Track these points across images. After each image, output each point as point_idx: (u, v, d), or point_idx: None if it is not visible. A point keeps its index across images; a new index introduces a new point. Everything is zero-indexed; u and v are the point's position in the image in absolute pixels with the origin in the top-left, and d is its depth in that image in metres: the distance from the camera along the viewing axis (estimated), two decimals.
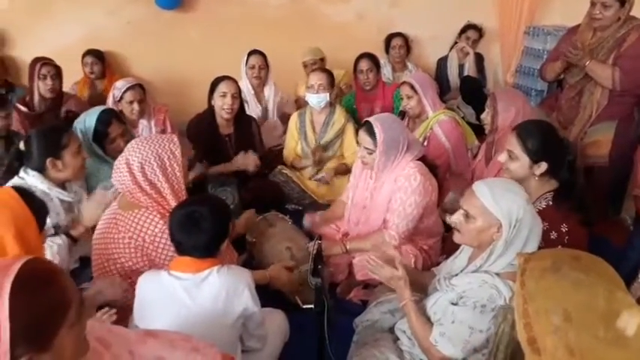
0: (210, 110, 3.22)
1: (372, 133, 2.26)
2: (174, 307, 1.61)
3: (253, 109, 3.81)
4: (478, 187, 1.58)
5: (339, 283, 2.46)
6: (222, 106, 3.12)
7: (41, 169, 2.26)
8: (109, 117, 2.69)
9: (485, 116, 2.61)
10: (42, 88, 3.49)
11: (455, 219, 1.62)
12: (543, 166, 2.00)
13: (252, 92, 3.87)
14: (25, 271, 0.94)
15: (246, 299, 1.68)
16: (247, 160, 3.13)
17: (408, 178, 2.23)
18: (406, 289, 1.73)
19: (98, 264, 1.98)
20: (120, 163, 1.93)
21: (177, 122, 3.75)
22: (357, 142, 3.37)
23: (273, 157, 3.60)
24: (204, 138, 3.17)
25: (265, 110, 3.93)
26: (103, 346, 1.19)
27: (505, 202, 1.52)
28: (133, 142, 2.00)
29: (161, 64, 4.63)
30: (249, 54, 3.84)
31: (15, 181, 2.26)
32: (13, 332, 0.89)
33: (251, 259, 2.60)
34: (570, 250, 1.28)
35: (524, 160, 2.02)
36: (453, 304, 1.61)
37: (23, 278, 0.93)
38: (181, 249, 1.69)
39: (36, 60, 3.56)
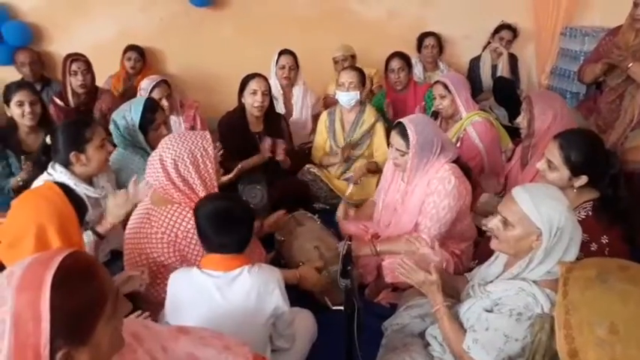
0: (241, 108, 3.23)
1: (404, 135, 2.22)
2: (206, 304, 1.61)
3: (281, 109, 3.81)
4: (518, 192, 1.54)
5: (367, 284, 2.43)
6: (253, 103, 3.14)
7: (67, 164, 2.29)
8: (155, 104, 2.74)
9: (521, 120, 2.53)
10: (73, 83, 3.56)
11: (492, 225, 1.58)
12: (583, 179, 1.94)
13: (281, 92, 3.87)
14: (66, 265, 0.95)
15: (276, 298, 1.68)
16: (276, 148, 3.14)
17: (442, 181, 2.19)
18: (439, 295, 1.70)
19: (130, 258, 2.00)
20: (153, 159, 1.95)
21: (206, 118, 3.79)
22: (388, 143, 3.38)
23: (301, 155, 3.59)
24: (235, 135, 3.19)
25: (299, 110, 3.91)
26: (136, 341, 1.19)
27: (546, 210, 1.47)
28: (166, 138, 2.01)
29: (192, 61, 4.68)
30: (280, 54, 3.84)
31: (43, 177, 2.30)
32: (52, 325, 0.89)
33: (279, 258, 2.60)
34: (617, 259, 1.22)
35: (564, 172, 1.96)
36: (487, 311, 1.57)
37: (64, 271, 0.94)
38: (210, 245, 1.69)
39: (67, 56, 3.64)
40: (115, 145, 2.62)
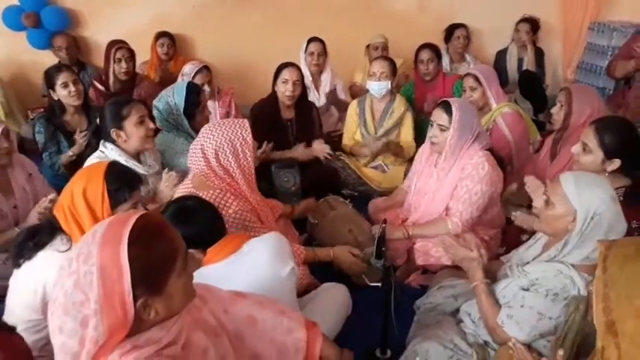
0: (274, 95, 3.32)
1: (448, 110, 2.28)
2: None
3: (314, 97, 3.90)
4: (564, 175, 1.60)
5: (397, 267, 2.51)
6: (284, 92, 3.22)
7: (114, 141, 2.41)
8: (197, 87, 2.83)
9: (557, 112, 2.55)
10: (117, 70, 3.70)
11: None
12: (616, 162, 1.99)
13: (310, 78, 3.95)
14: (140, 224, 1.04)
15: (289, 258, 1.70)
16: (316, 151, 3.25)
17: (475, 167, 2.26)
18: (479, 271, 1.77)
19: None
20: (195, 147, 2.05)
21: (239, 105, 3.89)
22: (416, 132, 3.45)
23: (331, 142, 3.67)
24: (267, 122, 3.28)
25: (332, 94, 4.01)
26: (201, 301, 1.30)
27: (586, 194, 1.53)
28: (206, 127, 2.11)
29: (223, 48, 4.77)
30: (309, 41, 3.93)
31: (96, 154, 2.43)
32: (132, 276, 0.99)
33: (312, 240, 2.70)
34: None
35: (598, 154, 2.01)
36: (523, 289, 1.64)
37: (138, 229, 1.03)
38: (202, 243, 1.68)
39: (112, 43, 3.76)
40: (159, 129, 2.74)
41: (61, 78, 3.01)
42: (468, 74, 3.11)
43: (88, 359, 0.99)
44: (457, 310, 1.96)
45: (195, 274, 1.62)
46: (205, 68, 3.46)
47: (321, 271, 2.30)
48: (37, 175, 2.63)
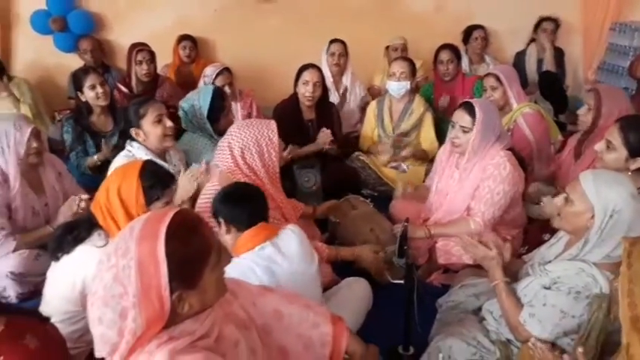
0: (295, 97, 3.36)
1: (471, 112, 2.29)
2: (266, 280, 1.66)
3: (335, 99, 3.94)
4: (584, 173, 1.61)
5: (419, 266, 2.53)
6: (304, 93, 3.26)
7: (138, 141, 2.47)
8: (223, 92, 2.89)
9: (585, 114, 2.52)
10: (139, 72, 3.77)
11: (557, 201, 1.66)
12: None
13: (331, 80, 3.99)
14: (176, 220, 1.08)
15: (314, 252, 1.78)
16: (322, 137, 3.25)
17: (497, 167, 2.27)
18: (498, 270, 1.78)
19: None
20: (223, 145, 2.11)
21: (260, 106, 3.94)
22: (436, 132, 3.46)
23: (350, 143, 3.70)
24: (289, 123, 3.32)
25: (343, 97, 4.03)
26: (232, 295, 1.34)
27: (605, 191, 1.53)
28: (234, 125, 2.17)
29: (243, 51, 4.83)
30: (331, 42, 3.99)
31: (124, 153, 2.49)
32: (168, 270, 1.03)
33: (333, 239, 2.73)
34: None
35: (622, 152, 2.02)
36: (545, 288, 1.65)
37: (175, 225, 1.07)
38: (241, 221, 1.75)
39: (133, 46, 3.84)
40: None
41: (89, 80, 3.09)
42: (488, 74, 3.11)
43: (126, 349, 1.03)
44: (479, 309, 1.97)
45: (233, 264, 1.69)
46: (226, 70, 3.52)
47: (342, 270, 2.33)
48: (66, 174, 2.70)
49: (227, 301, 1.32)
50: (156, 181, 1.73)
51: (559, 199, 1.65)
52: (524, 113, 2.96)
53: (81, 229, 1.73)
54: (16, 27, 4.74)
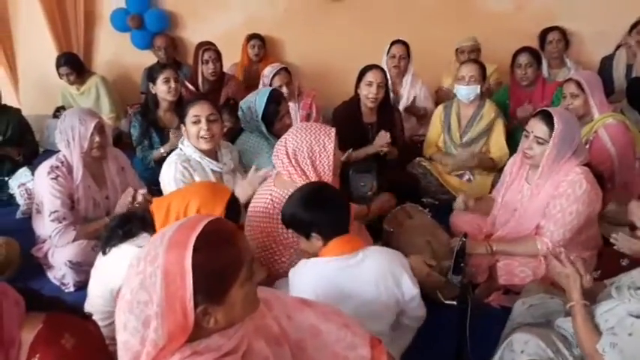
0: (357, 98, 3.27)
1: (549, 122, 2.11)
2: (332, 291, 1.62)
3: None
4: None
5: (477, 284, 2.37)
6: (367, 94, 3.16)
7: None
8: (279, 96, 2.85)
9: None
10: (205, 71, 3.85)
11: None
12: None
13: (390, 81, 3.86)
14: (208, 229, 1.03)
15: (404, 283, 1.69)
16: (380, 140, 3.12)
17: (572, 185, 2.07)
18: (575, 290, 1.61)
19: (251, 234, 2.12)
20: (280, 144, 2.07)
21: (320, 107, 3.89)
22: (507, 140, 3.24)
23: (413, 147, 3.56)
24: (348, 125, 3.24)
25: (406, 100, 3.91)
26: (266, 307, 1.27)
27: None
28: (294, 126, 2.14)
29: (310, 51, 4.82)
30: (392, 43, 3.87)
31: (176, 151, 2.54)
32: (194, 282, 0.98)
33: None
34: None
35: None
36: (632, 315, 1.45)
37: (206, 235, 1.02)
38: (323, 229, 1.70)
39: (200, 45, 3.92)
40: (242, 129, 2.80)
41: (165, 73, 3.19)
42: (569, 80, 2.86)
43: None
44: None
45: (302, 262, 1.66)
46: (284, 70, 3.49)
47: None
48: (129, 169, 2.78)
49: (260, 313, 1.25)
50: (235, 217, 1.73)
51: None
52: (607, 124, 2.69)
53: (134, 224, 1.74)
54: (98, 25, 5.00)
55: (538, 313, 1.83)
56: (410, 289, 1.70)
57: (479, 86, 3.18)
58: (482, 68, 3.25)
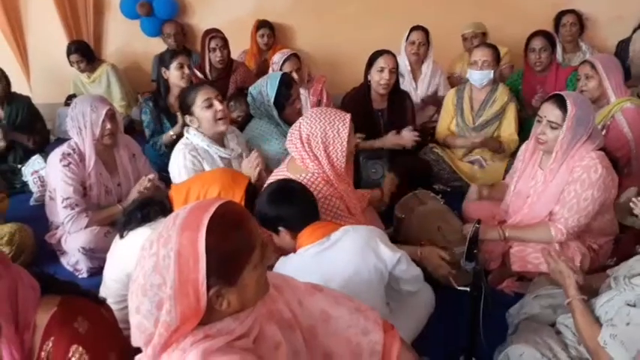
0: (367, 84, 3.23)
1: (562, 106, 2.07)
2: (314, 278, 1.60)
3: (407, 86, 3.76)
4: None
5: (490, 271, 2.35)
6: (379, 80, 3.11)
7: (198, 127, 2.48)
8: (290, 79, 2.83)
9: None
10: (212, 59, 3.82)
11: None
12: None
13: (409, 68, 3.82)
14: (221, 212, 1.03)
15: (383, 252, 1.68)
16: (404, 139, 3.07)
17: (587, 170, 2.03)
18: (571, 286, 1.60)
19: None
20: (294, 128, 2.06)
21: (331, 94, 3.86)
22: (519, 125, 3.19)
23: (424, 133, 3.52)
24: (357, 112, 3.19)
25: (426, 88, 3.85)
26: (277, 291, 1.27)
27: None
28: (310, 111, 2.12)
29: (320, 37, 4.78)
30: (412, 29, 3.79)
31: (183, 140, 2.53)
32: (207, 264, 0.98)
33: (397, 235, 2.60)
34: None
35: None
36: (629, 304, 1.44)
37: (218, 217, 1.01)
38: (294, 224, 1.73)
39: (206, 33, 3.89)
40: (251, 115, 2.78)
41: (179, 59, 3.20)
42: (584, 61, 2.81)
43: (159, 342, 0.99)
44: (556, 320, 1.77)
45: (281, 260, 1.62)
46: (294, 56, 3.46)
47: None
48: (140, 156, 2.79)
49: (271, 298, 1.25)
50: (253, 202, 1.75)
51: None
52: (624, 108, 2.63)
53: (151, 209, 1.75)
54: (108, 13, 4.99)
55: (546, 303, 1.83)
56: (390, 256, 1.68)
57: (492, 71, 3.13)
58: (496, 52, 3.19)
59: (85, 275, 2.50)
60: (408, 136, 3.04)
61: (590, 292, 1.69)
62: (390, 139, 3.09)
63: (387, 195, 2.61)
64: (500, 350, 1.74)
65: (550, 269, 1.72)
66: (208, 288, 0.99)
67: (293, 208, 1.74)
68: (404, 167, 3.08)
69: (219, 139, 2.56)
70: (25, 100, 3.69)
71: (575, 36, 4.20)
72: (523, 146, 2.48)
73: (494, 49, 3.20)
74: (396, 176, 2.86)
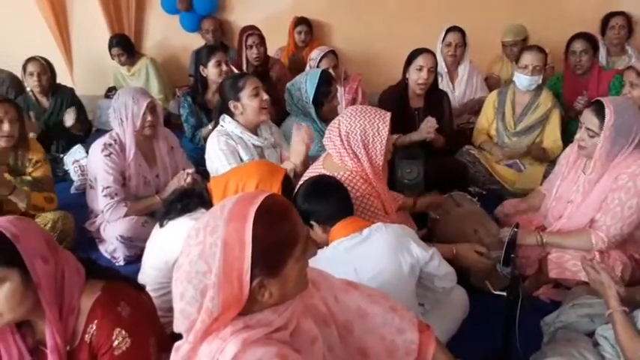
0: (404, 83, 3.21)
1: (600, 114, 2.02)
2: (347, 272, 1.60)
3: (444, 88, 3.71)
4: None
5: (527, 277, 2.30)
6: (417, 80, 3.09)
7: (232, 115, 2.53)
8: (330, 77, 2.85)
9: None
10: (249, 56, 3.88)
11: None
12: None
13: (446, 70, 3.78)
14: (267, 203, 1.04)
15: (414, 250, 1.66)
16: (426, 126, 3.03)
17: (633, 178, 1.97)
18: (612, 297, 1.56)
19: None
20: (333, 125, 2.07)
21: (366, 92, 3.84)
22: (562, 132, 3.12)
23: (462, 135, 3.47)
24: (393, 110, 3.16)
25: (463, 90, 3.80)
26: (314, 286, 1.27)
27: None
28: (349, 108, 2.13)
29: (357, 35, 4.76)
30: (448, 30, 3.74)
31: (217, 128, 2.57)
32: (253, 253, 0.99)
33: (431, 236, 2.57)
34: None
35: None
36: None
37: (265, 209, 1.03)
38: (328, 217, 1.74)
39: (243, 30, 3.94)
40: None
41: (217, 56, 3.24)
42: (630, 67, 2.72)
43: (200, 329, 1.01)
44: (593, 332, 1.72)
45: (327, 253, 1.65)
46: (332, 53, 3.47)
47: None
48: (178, 149, 2.84)
49: (308, 293, 1.25)
50: (289, 194, 1.77)
51: None
52: None
53: (191, 200, 1.79)
54: (149, 8, 5.10)
55: (583, 312, 1.78)
56: (422, 252, 1.67)
57: (541, 76, 3.07)
58: (546, 56, 3.14)
59: (121, 263, 2.57)
60: (423, 127, 3.00)
61: (632, 303, 1.65)
62: (409, 135, 3.06)
63: (421, 207, 2.57)
64: (535, 359, 1.71)
65: (590, 279, 1.69)
66: (252, 278, 1.00)
67: (326, 203, 1.75)
68: (439, 168, 3.06)
69: (253, 129, 2.59)
70: (69, 92, 3.81)
71: (623, 39, 4.06)
72: (566, 150, 2.42)
73: (544, 53, 3.14)
74: (433, 178, 2.83)
